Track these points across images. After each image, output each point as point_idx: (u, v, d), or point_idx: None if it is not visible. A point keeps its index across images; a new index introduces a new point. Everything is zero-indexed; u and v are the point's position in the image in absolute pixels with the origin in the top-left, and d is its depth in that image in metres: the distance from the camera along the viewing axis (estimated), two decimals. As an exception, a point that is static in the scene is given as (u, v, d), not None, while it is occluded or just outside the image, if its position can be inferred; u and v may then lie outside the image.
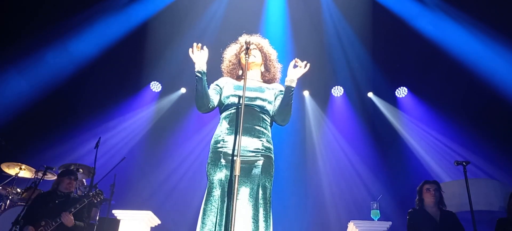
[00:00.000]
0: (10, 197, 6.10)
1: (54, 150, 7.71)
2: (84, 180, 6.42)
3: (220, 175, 2.60)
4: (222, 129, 2.77)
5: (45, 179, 5.66)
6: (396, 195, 7.20)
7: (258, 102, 2.78)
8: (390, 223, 4.12)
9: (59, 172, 5.22)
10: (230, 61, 3.13)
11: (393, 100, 9.04)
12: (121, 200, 6.70)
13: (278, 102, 2.86)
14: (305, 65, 2.84)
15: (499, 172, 7.12)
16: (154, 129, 9.07)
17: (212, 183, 2.59)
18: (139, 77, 9.03)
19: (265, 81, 3.04)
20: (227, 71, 3.15)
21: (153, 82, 9.33)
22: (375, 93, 9.14)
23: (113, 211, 4.30)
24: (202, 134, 8.97)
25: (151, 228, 4.43)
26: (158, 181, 8.38)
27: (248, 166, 2.59)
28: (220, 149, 2.67)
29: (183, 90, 9.37)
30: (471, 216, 3.83)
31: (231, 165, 2.60)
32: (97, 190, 4.45)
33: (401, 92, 9.03)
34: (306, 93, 9.36)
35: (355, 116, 8.96)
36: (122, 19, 8.20)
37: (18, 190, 6.23)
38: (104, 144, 7.66)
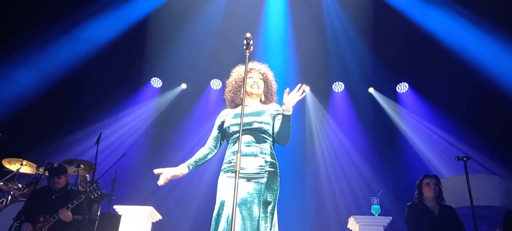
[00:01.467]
0: (11, 192, 6.11)
1: (55, 145, 7.72)
2: (87, 175, 6.43)
3: (229, 191, 2.77)
4: (228, 153, 3.02)
5: (46, 175, 5.66)
6: (396, 190, 7.20)
7: (256, 125, 2.98)
8: (390, 218, 4.13)
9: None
10: (233, 86, 3.27)
11: (393, 96, 9.03)
12: (122, 195, 6.72)
13: (277, 124, 3.05)
14: (300, 90, 3.01)
15: (500, 167, 7.12)
16: (155, 124, 9.08)
17: (221, 199, 2.83)
18: (140, 73, 9.03)
19: (265, 102, 3.25)
20: (229, 91, 3.29)
21: (153, 78, 9.32)
22: (376, 89, 9.13)
23: (114, 207, 4.30)
24: (204, 129, 8.97)
25: (152, 223, 4.44)
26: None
27: (252, 183, 2.80)
28: (227, 169, 2.93)
29: (183, 86, 9.37)
30: (471, 211, 3.83)
31: (237, 181, 2.68)
32: (95, 185, 4.46)
33: (402, 87, 9.02)
34: (307, 88, 9.35)
35: (356, 112, 8.95)
36: (122, 15, 8.20)
37: (20, 185, 6.25)
38: (105, 139, 7.67)
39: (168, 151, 8.69)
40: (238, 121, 3.02)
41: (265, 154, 2.91)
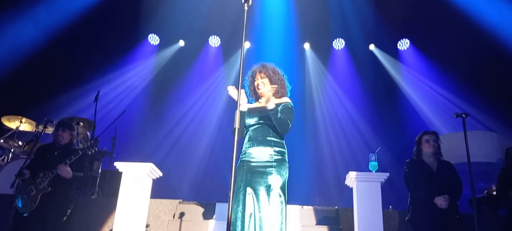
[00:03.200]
0: (12, 150, 6.17)
1: (53, 103, 7.71)
2: (87, 133, 6.46)
3: (242, 176, 3.32)
4: (244, 143, 3.48)
5: (45, 132, 5.70)
6: (394, 147, 7.27)
7: (267, 119, 3.40)
8: (387, 174, 4.16)
9: (56, 125, 5.23)
10: (249, 87, 3.69)
11: (394, 53, 8.94)
12: (123, 153, 6.78)
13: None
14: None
15: (498, 124, 7.17)
16: (154, 82, 9.03)
17: (237, 182, 3.31)
18: (137, 30, 8.88)
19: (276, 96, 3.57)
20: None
21: (150, 35, 9.18)
22: (376, 46, 9.02)
23: (115, 164, 4.34)
24: (203, 87, 8.93)
25: (153, 180, 4.49)
26: (159, 134, 8.44)
27: (263, 170, 3.27)
28: (242, 158, 3.41)
29: (181, 43, 9.23)
30: (468, 167, 3.87)
31: (249, 169, 3.32)
32: (93, 141, 4.48)
33: (403, 44, 8.91)
34: (306, 46, 9.23)
35: (356, 69, 8.89)
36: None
37: (20, 143, 6.29)
38: (104, 97, 7.65)
39: (167, 109, 8.70)
40: (251, 115, 3.49)
41: (274, 144, 3.35)
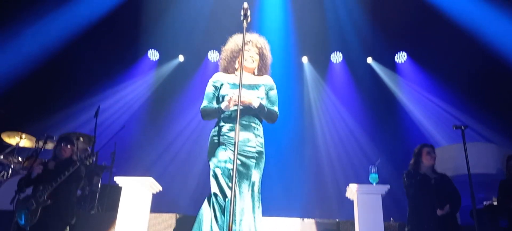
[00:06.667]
0: (12, 166, 6.16)
1: (53, 118, 7.72)
2: (88, 148, 6.46)
3: (225, 164, 2.83)
4: (221, 125, 2.99)
5: (45, 148, 5.70)
6: (394, 159, 7.27)
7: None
8: (388, 186, 4.16)
9: (58, 139, 5.25)
10: (228, 55, 3.20)
11: (392, 66, 9.00)
12: (122, 167, 6.77)
13: (265, 102, 3.04)
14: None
15: (497, 135, 7.18)
16: (153, 97, 9.06)
17: (217, 167, 2.84)
18: (136, 45, 8.93)
19: (258, 74, 3.20)
20: (224, 59, 3.24)
21: (150, 50, 9.24)
22: (374, 59, 9.08)
23: (115, 178, 4.33)
24: (201, 102, 8.94)
25: (153, 194, 4.48)
26: (158, 149, 8.43)
27: (245, 160, 2.85)
28: (222, 140, 2.92)
29: (181, 58, 9.29)
30: (468, 179, 3.88)
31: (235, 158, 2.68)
32: (89, 153, 4.52)
33: (401, 57, 8.97)
34: (305, 59, 9.29)
35: (354, 82, 8.94)
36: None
37: (20, 159, 6.28)
38: (103, 112, 7.66)
39: (167, 123, 8.71)
40: (234, 91, 2.96)
41: (258, 132, 2.97)
